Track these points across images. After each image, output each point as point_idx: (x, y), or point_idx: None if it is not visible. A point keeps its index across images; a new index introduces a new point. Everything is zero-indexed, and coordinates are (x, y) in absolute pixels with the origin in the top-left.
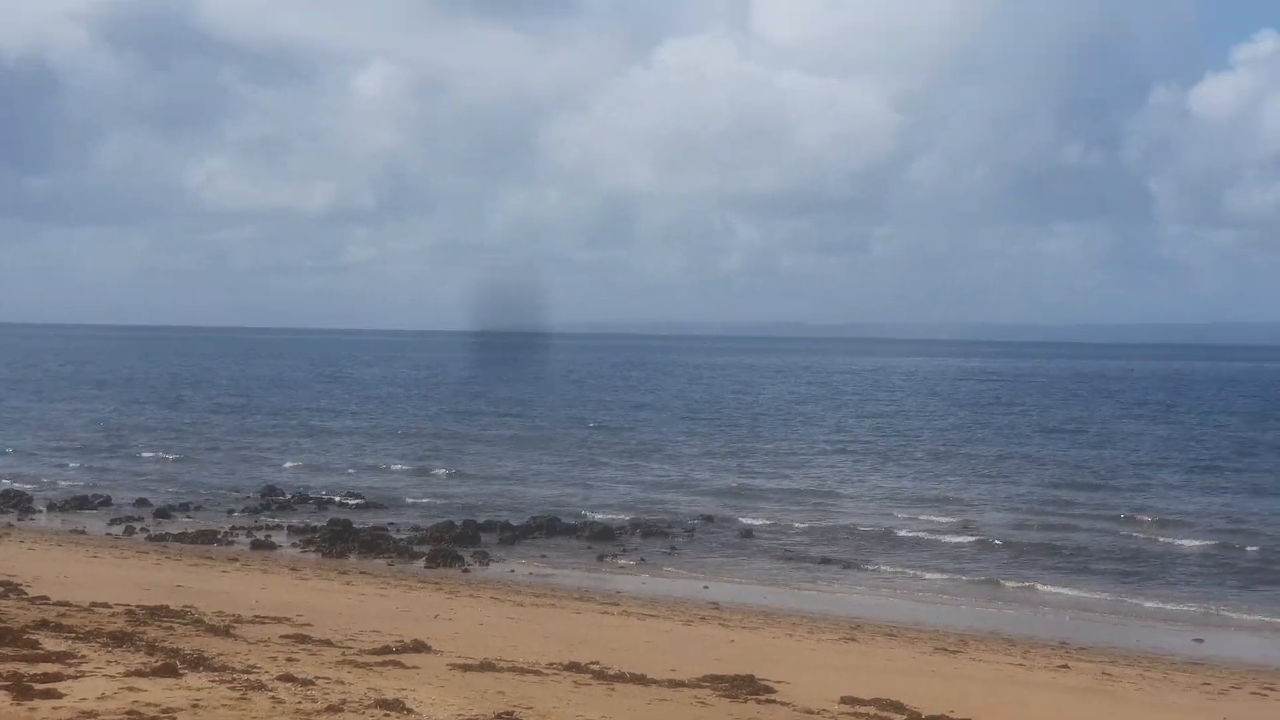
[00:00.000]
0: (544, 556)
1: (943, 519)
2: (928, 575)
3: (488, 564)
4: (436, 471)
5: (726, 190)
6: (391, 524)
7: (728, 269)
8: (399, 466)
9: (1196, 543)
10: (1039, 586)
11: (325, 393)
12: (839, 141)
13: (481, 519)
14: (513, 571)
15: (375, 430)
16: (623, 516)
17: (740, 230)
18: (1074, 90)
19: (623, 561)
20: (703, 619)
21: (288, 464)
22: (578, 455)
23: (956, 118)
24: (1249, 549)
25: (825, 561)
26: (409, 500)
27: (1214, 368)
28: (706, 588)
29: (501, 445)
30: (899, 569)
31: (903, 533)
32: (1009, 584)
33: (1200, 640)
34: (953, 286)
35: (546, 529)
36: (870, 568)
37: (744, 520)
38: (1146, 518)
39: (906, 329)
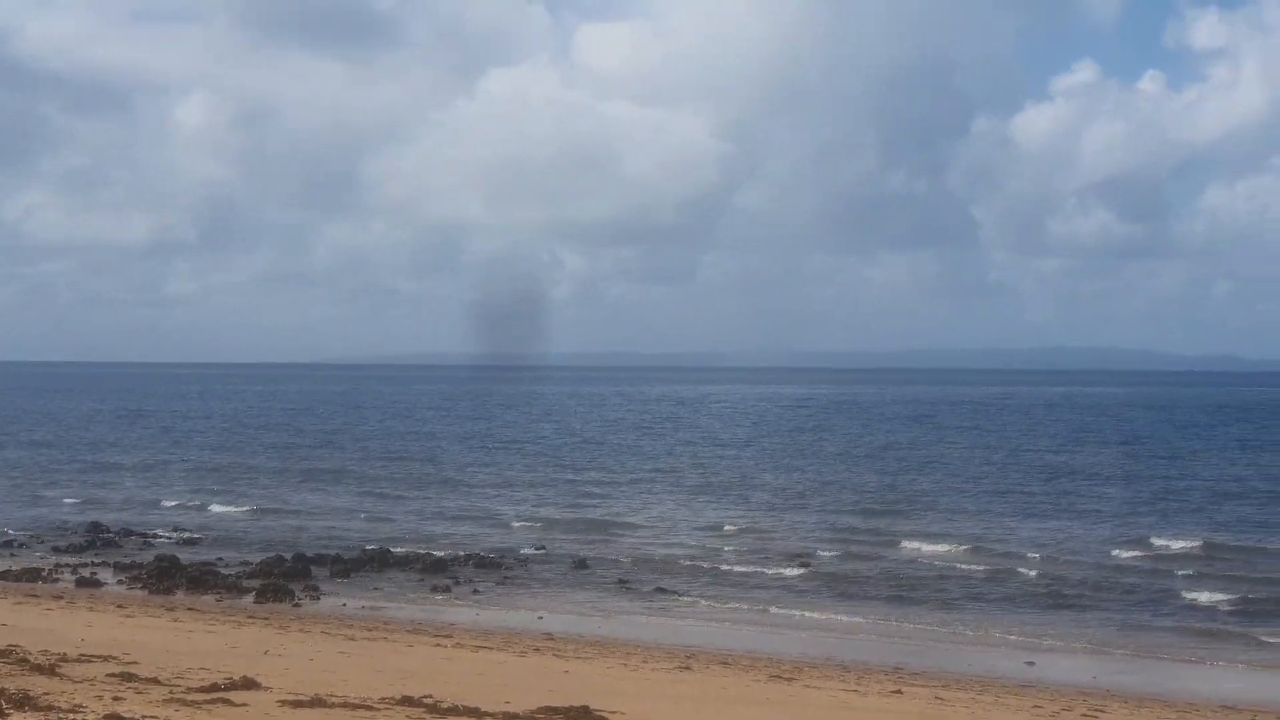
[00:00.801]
0: (376, 589)
1: (767, 547)
2: (759, 603)
3: (319, 598)
4: (255, 506)
5: (554, 220)
6: (220, 559)
7: (556, 298)
8: (218, 508)
9: (1020, 569)
10: (868, 613)
11: (132, 427)
12: (665, 170)
13: (312, 553)
14: (344, 605)
15: (190, 464)
16: (455, 548)
17: (568, 260)
18: (898, 119)
19: (456, 593)
20: (537, 650)
21: (106, 497)
22: (401, 487)
23: (782, 146)
24: (1072, 575)
25: (659, 591)
26: (237, 535)
27: (1037, 392)
28: (541, 618)
29: (321, 479)
30: (731, 598)
31: (731, 562)
32: (838, 611)
33: (1031, 663)
34: (781, 314)
35: (378, 562)
36: (702, 597)
37: (577, 551)
38: (964, 545)
39: (736, 357)
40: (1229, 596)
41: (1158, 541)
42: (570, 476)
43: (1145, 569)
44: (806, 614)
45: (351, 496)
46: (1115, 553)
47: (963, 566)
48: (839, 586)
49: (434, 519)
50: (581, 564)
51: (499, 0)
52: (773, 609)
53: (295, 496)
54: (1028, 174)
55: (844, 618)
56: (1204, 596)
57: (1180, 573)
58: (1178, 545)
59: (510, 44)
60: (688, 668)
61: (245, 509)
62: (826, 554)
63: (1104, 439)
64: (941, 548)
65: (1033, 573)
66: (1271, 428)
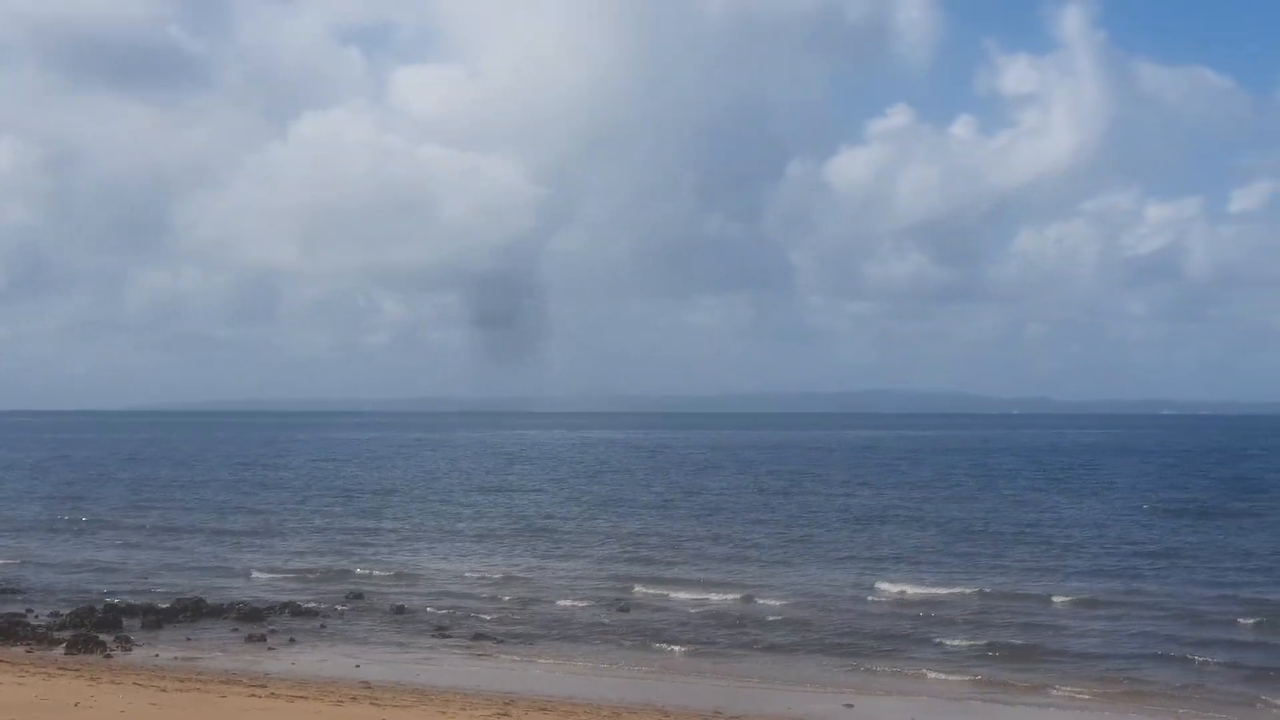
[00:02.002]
0: (189, 640)
1: (585, 593)
2: (578, 649)
3: (131, 649)
4: (58, 558)
5: (371, 265)
6: (30, 610)
7: (375, 345)
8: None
9: (824, 613)
10: (686, 656)
11: None
12: (482, 215)
13: (124, 603)
14: (157, 656)
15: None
16: (271, 596)
17: (386, 305)
18: (714, 163)
19: (271, 642)
20: (354, 699)
21: None
22: (207, 535)
23: (598, 190)
24: (883, 615)
25: (477, 637)
26: (41, 586)
27: (848, 436)
28: (358, 666)
29: (125, 529)
30: (549, 643)
31: (548, 608)
32: (655, 655)
33: (850, 705)
34: (601, 358)
35: (192, 611)
36: (520, 642)
37: (395, 599)
38: (781, 590)
39: (556, 401)
40: (985, 641)
41: (940, 590)
42: (370, 524)
43: (920, 614)
44: (624, 658)
45: (174, 546)
46: (902, 591)
47: (778, 610)
48: (657, 630)
49: (240, 566)
50: (399, 611)
51: (312, 43)
52: (591, 654)
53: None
54: (843, 217)
55: (662, 662)
56: (961, 643)
57: (956, 616)
58: (949, 591)
59: (324, 87)
60: (506, 715)
61: (51, 560)
62: (642, 599)
63: (908, 481)
64: (756, 592)
65: (837, 616)
66: (1073, 470)
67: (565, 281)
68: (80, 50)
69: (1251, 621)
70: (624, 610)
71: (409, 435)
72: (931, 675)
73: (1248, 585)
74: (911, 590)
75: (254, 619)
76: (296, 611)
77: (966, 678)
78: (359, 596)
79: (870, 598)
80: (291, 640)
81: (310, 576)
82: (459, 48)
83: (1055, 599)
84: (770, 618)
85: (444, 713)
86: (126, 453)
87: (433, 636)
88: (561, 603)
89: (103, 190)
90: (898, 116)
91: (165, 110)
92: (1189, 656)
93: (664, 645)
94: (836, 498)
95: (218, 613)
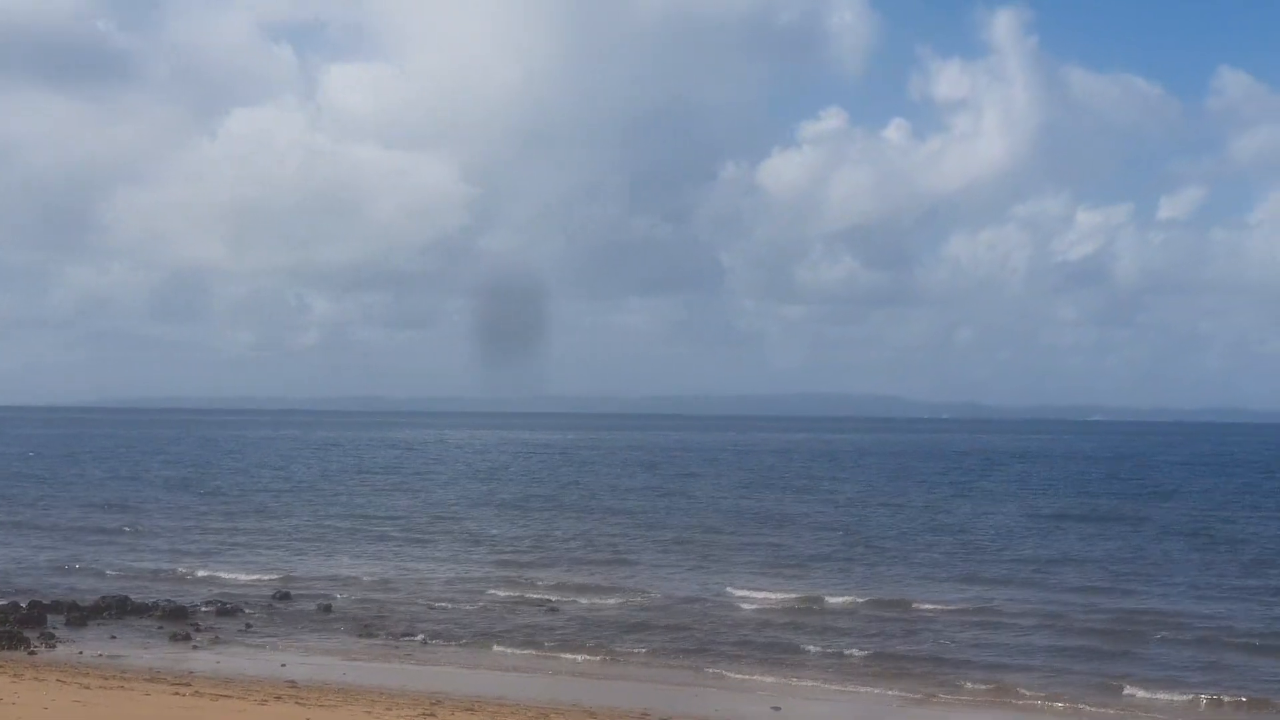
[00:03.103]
0: (114, 637)
1: (514, 592)
2: (507, 648)
3: (55, 646)
4: None
5: (300, 263)
6: None
7: (303, 343)
8: None
9: (745, 612)
10: (618, 657)
11: None
12: (411, 214)
13: (48, 599)
14: (81, 653)
15: None
16: (196, 594)
17: (315, 304)
18: (645, 164)
19: (196, 641)
20: (278, 698)
21: None
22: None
23: (529, 190)
24: (809, 619)
25: (405, 636)
26: None
27: (776, 439)
28: (284, 665)
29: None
30: (478, 642)
31: (477, 606)
32: (586, 656)
33: (778, 708)
34: (532, 359)
35: (117, 609)
36: (448, 641)
37: (322, 596)
38: (710, 591)
39: (484, 402)
40: (869, 652)
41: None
42: (321, 519)
43: (805, 621)
44: (555, 658)
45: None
46: (829, 600)
47: (742, 608)
48: (587, 631)
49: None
50: (325, 611)
51: (242, 39)
52: (520, 653)
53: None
54: (775, 220)
55: (590, 662)
56: (855, 651)
57: (845, 623)
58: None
59: (254, 84)
60: (433, 715)
61: None
62: (571, 599)
63: (819, 484)
64: (682, 593)
65: (758, 615)
66: (989, 475)
67: (494, 281)
68: (4, 43)
69: (1120, 629)
70: (553, 611)
71: (328, 434)
72: (841, 677)
73: (1132, 594)
74: (792, 596)
75: (179, 617)
76: (222, 610)
77: (871, 684)
78: (285, 596)
79: (744, 604)
80: (216, 639)
81: (176, 578)
82: (390, 46)
83: (939, 605)
84: (721, 615)
85: (370, 712)
86: (33, 448)
87: (359, 636)
88: (488, 603)
89: (28, 186)
90: (831, 120)
91: (92, 106)
92: (1067, 666)
93: (592, 646)
94: (753, 501)
95: (142, 611)
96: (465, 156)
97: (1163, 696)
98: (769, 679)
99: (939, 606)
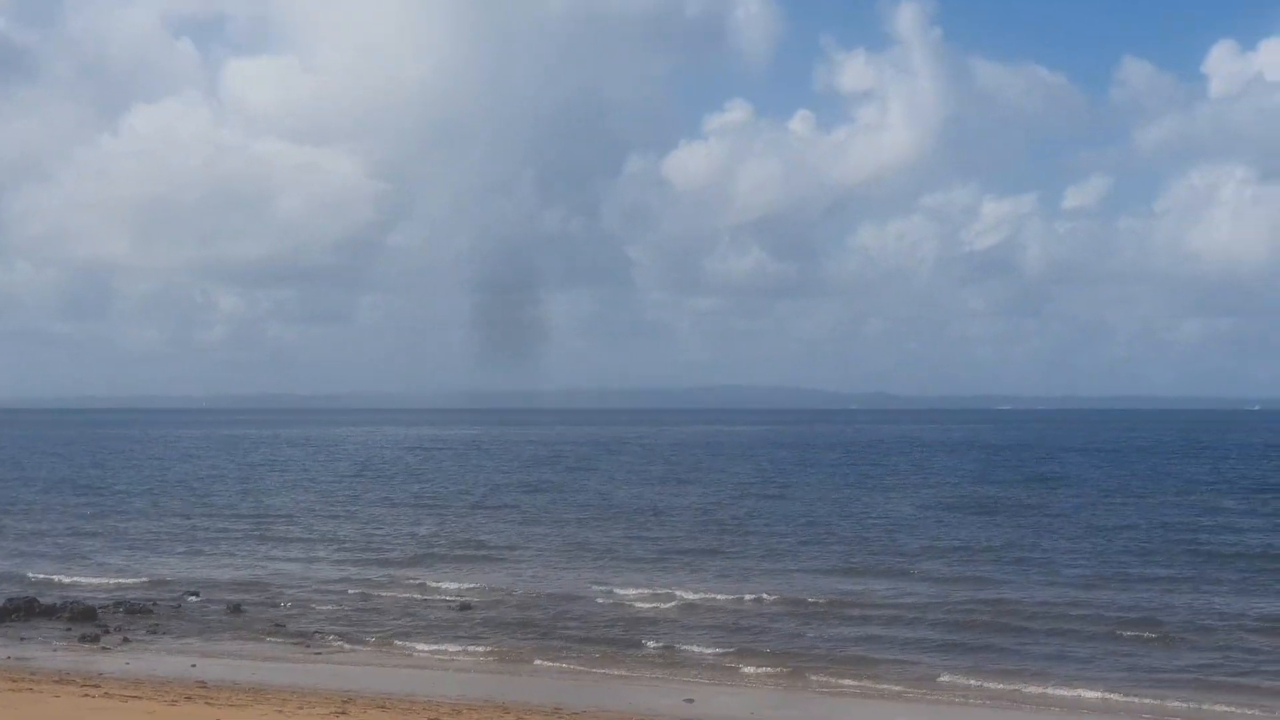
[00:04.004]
0: (22, 639)
1: (426, 589)
2: (419, 645)
3: None
4: None
5: (207, 260)
6: None
7: (211, 340)
8: None
9: (652, 604)
10: (530, 653)
11: None
12: (320, 209)
13: None
14: None
15: None
16: (103, 595)
17: (223, 301)
18: (553, 158)
19: (105, 642)
20: (188, 698)
21: None
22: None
23: (438, 185)
24: (715, 610)
25: (316, 634)
26: None
27: (679, 431)
28: (194, 665)
29: None
30: (387, 639)
31: (388, 604)
32: (497, 651)
33: (691, 700)
34: (442, 354)
35: (24, 610)
36: (358, 639)
37: (231, 596)
38: (609, 585)
39: (396, 397)
40: (756, 646)
41: (717, 594)
42: (189, 522)
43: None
44: (464, 655)
45: None
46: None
47: (638, 605)
48: (496, 627)
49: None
50: (236, 609)
51: (144, 34)
52: (431, 650)
53: None
54: (683, 213)
55: (502, 657)
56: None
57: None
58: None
59: (157, 79)
60: (344, 713)
61: None
62: (474, 596)
63: (719, 476)
64: (573, 590)
65: (649, 610)
66: (888, 464)
67: (404, 277)
68: None
69: (986, 619)
70: (463, 608)
71: (232, 431)
72: (748, 670)
73: (1008, 584)
74: (675, 590)
75: (88, 618)
76: (132, 610)
77: (768, 679)
78: (195, 595)
79: (635, 600)
80: (126, 640)
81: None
82: (294, 39)
83: (827, 596)
84: (635, 610)
85: (281, 711)
86: None
87: (270, 635)
88: (399, 599)
89: None
90: (736, 112)
91: None
92: (932, 659)
93: (501, 642)
94: (644, 491)
95: (51, 612)
96: (374, 151)
97: (986, 684)
98: (677, 671)
99: (826, 599)
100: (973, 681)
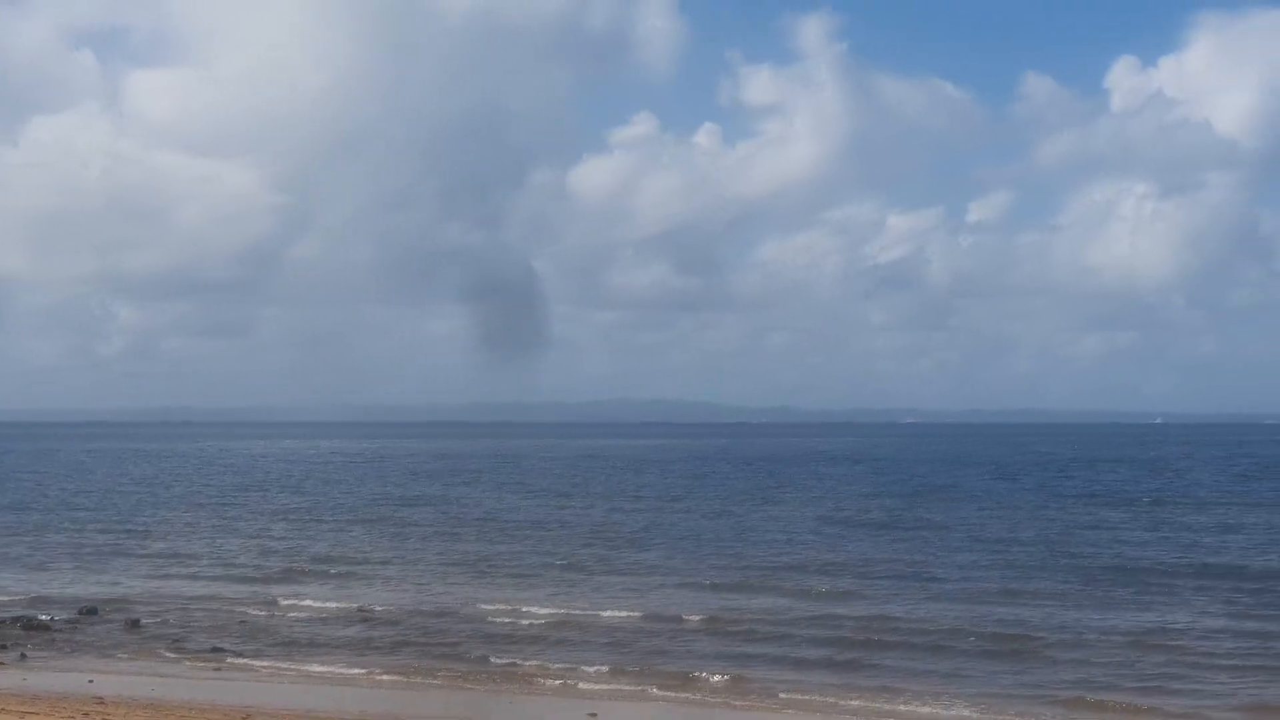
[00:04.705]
0: None
1: (323, 604)
2: (320, 659)
3: None
4: None
5: (105, 273)
6: None
7: (109, 353)
8: None
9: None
10: (435, 668)
11: None
12: (220, 222)
13: None
14: None
15: None
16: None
17: (121, 314)
18: (456, 171)
19: (2, 658)
20: (85, 714)
21: None
22: None
23: (338, 198)
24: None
25: (215, 650)
26: None
27: (585, 445)
28: (91, 681)
29: None
30: (289, 655)
31: (288, 619)
32: (400, 667)
33: (594, 715)
34: (343, 367)
35: None
36: (259, 655)
37: (128, 612)
38: (530, 601)
39: (297, 411)
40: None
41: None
42: (75, 538)
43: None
44: (364, 670)
45: None
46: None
47: (528, 620)
48: (394, 642)
49: None
50: (135, 624)
51: (42, 45)
52: (331, 666)
53: None
54: (587, 226)
55: (403, 671)
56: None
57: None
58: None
59: (56, 91)
60: None
61: None
62: (375, 611)
63: (608, 489)
64: (486, 606)
65: (530, 626)
66: (784, 478)
67: (305, 290)
68: None
69: (866, 635)
70: (360, 622)
71: (128, 445)
72: (648, 687)
73: (894, 599)
74: (557, 606)
75: None
76: (29, 626)
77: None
78: (93, 611)
79: (504, 614)
80: (23, 656)
81: None
82: (194, 51)
83: (704, 615)
84: (532, 626)
85: None
86: None
87: (169, 650)
88: (300, 613)
89: None
90: (641, 125)
91: None
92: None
93: (400, 656)
94: (528, 506)
95: None
96: (273, 163)
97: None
98: (572, 688)
99: (708, 614)
100: (843, 700)
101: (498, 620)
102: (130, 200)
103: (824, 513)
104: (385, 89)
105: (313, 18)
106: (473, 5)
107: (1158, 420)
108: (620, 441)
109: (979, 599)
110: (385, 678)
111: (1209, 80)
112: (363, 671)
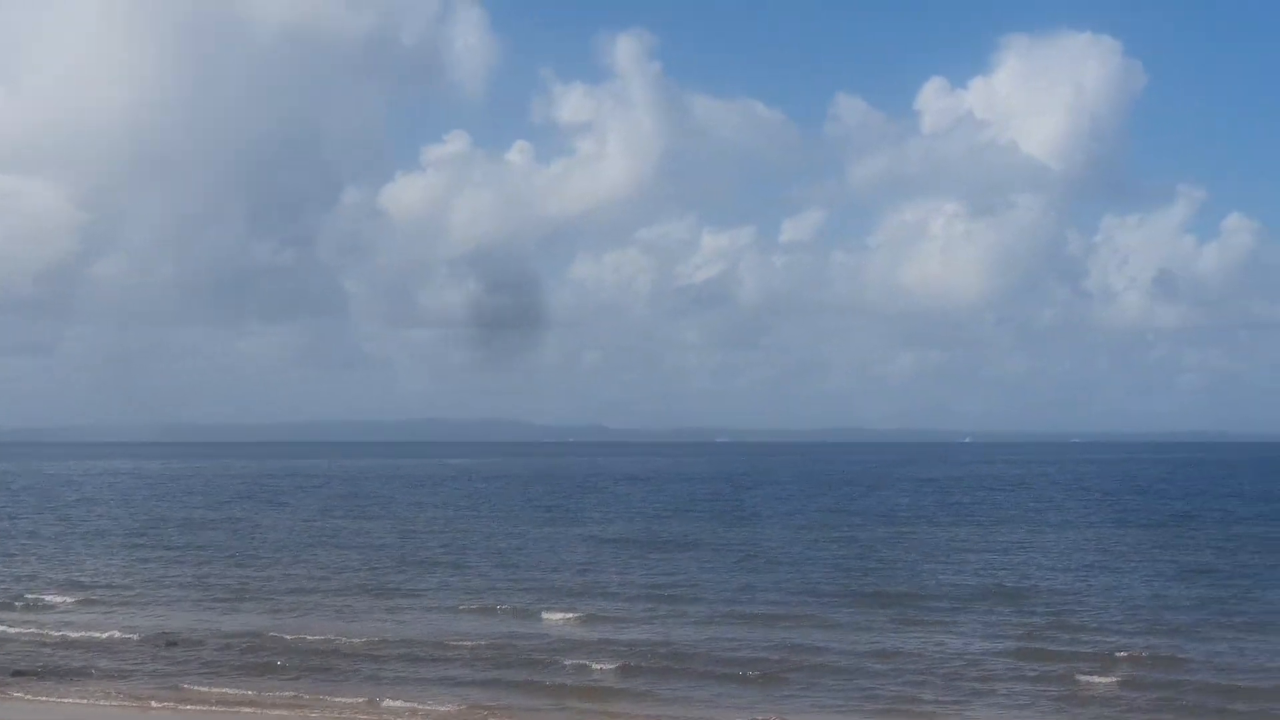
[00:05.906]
0: None
1: (134, 625)
2: (124, 685)
3: None
4: None
5: None
6: None
7: None
8: None
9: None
10: (281, 690)
11: None
12: (20, 240)
13: None
14: None
15: None
16: None
17: None
18: (266, 190)
19: None
20: None
21: None
22: None
23: (146, 217)
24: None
25: (18, 675)
26: None
27: (397, 464)
28: None
29: None
30: (97, 678)
31: (100, 638)
32: (256, 688)
33: None
34: (150, 387)
35: None
36: (67, 679)
37: None
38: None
39: (102, 430)
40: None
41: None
42: None
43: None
44: (167, 693)
45: None
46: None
47: (460, 641)
48: (201, 664)
49: None
50: None
51: None
52: (173, 688)
53: None
54: (399, 244)
55: (201, 696)
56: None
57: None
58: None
59: None
60: None
61: None
62: (214, 631)
63: (400, 510)
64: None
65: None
66: (578, 498)
67: (110, 309)
68: None
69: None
70: (172, 644)
71: None
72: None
73: (664, 620)
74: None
75: None
76: None
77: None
78: None
79: (307, 633)
80: None
81: None
82: None
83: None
84: (411, 650)
85: None
86: None
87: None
88: (105, 637)
89: None
90: (454, 143)
91: None
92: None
93: (272, 679)
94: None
95: None
96: (76, 181)
97: None
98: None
99: (483, 640)
100: None
101: (320, 638)
102: None
103: (606, 533)
104: (194, 105)
105: (118, 32)
106: (284, 22)
107: (966, 439)
108: (425, 461)
109: (744, 621)
110: (183, 703)
111: (1017, 102)
112: (211, 692)
